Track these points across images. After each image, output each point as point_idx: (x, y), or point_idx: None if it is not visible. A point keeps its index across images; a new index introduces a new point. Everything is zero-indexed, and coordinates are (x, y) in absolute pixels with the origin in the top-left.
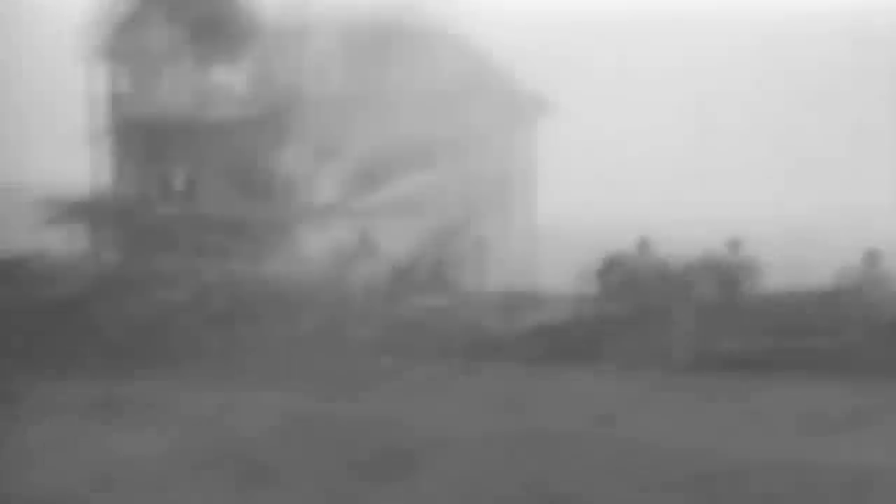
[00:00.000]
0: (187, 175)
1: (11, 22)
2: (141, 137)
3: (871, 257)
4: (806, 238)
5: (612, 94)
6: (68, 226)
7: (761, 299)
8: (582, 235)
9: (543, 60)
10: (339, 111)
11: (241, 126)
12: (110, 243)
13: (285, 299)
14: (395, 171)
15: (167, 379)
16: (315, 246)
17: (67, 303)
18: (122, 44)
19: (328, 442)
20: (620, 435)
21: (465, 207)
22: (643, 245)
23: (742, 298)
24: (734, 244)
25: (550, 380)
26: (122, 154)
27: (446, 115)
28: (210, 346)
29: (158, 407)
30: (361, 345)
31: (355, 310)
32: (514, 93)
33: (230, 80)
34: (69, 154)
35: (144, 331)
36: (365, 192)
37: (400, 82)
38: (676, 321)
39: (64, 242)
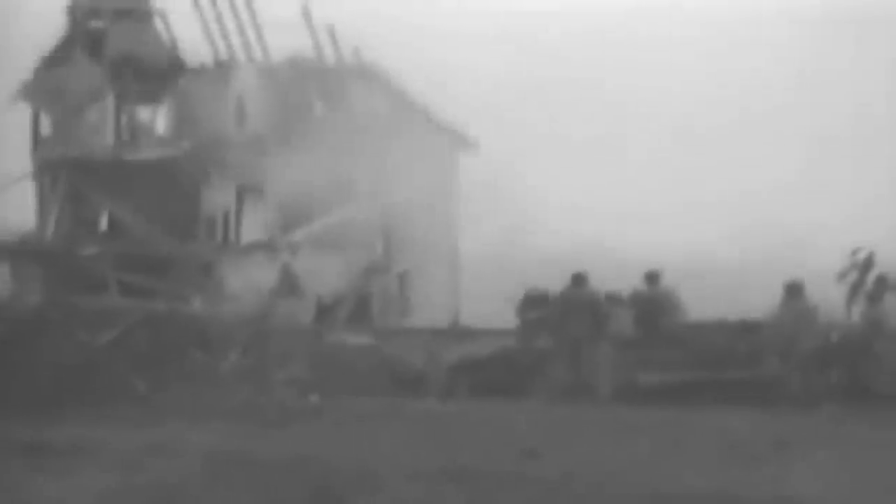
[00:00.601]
0: (110, 215)
1: None
2: (64, 178)
3: (792, 289)
4: (727, 270)
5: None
6: None
7: (682, 331)
8: (504, 270)
9: (468, 97)
10: (261, 149)
11: (163, 165)
12: (34, 284)
13: (210, 338)
14: (318, 208)
15: (93, 421)
16: (239, 284)
17: None
18: (44, 84)
19: (254, 482)
20: (545, 470)
21: (389, 243)
22: (576, 280)
23: (663, 331)
24: (653, 277)
25: (475, 415)
26: (45, 195)
27: (368, 150)
28: (135, 387)
29: (86, 450)
30: (286, 382)
31: (279, 347)
32: (435, 128)
33: (152, 119)
34: None
35: (69, 372)
36: (288, 229)
37: (321, 120)
38: (598, 354)
39: None
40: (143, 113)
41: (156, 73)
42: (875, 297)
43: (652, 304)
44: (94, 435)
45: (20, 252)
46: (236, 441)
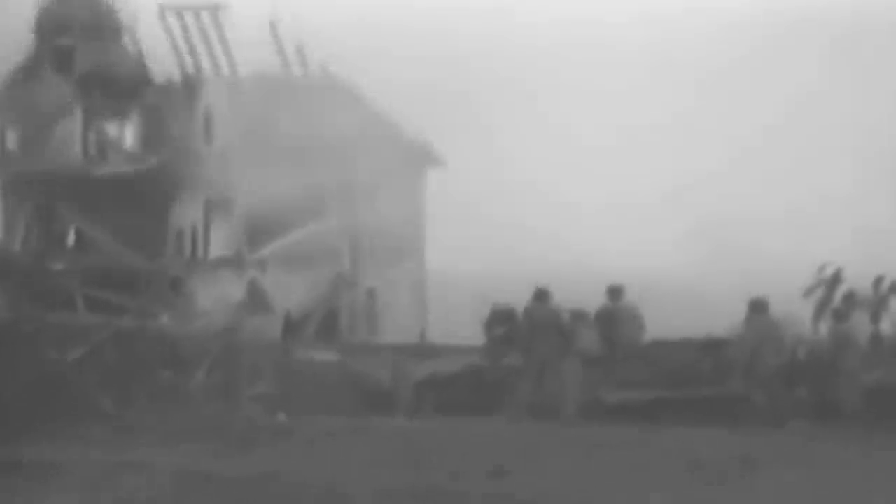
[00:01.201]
0: (78, 230)
1: None
2: (31, 193)
3: (756, 306)
4: (692, 287)
5: (502, 147)
6: None
7: (646, 349)
8: (472, 286)
9: (433, 113)
10: (228, 164)
11: (131, 180)
12: (0, 300)
13: (178, 355)
14: (286, 223)
15: (62, 439)
16: (207, 300)
17: None
18: (12, 100)
19: (222, 501)
20: (512, 488)
21: (356, 258)
22: (538, 296)
23: (625, 348)
24: (615, 292)
25: (442, 432)
26: (12, 210)
27: (336, 166)
28: (103, 405)
29: (54, 469)
30: (254, 399)
31: (248, 364)
32: (403, 143)
33: (120, 134)
34: None
35: (37, 390)
36: (256, 244)
37: (289, 135)
38: (564, 372)
39: None
40: (112, 128)
41: (124, 88)
42: (842, 314)
43: (614, 319)
44: (63, 453)
45: None
46: (204, 459)
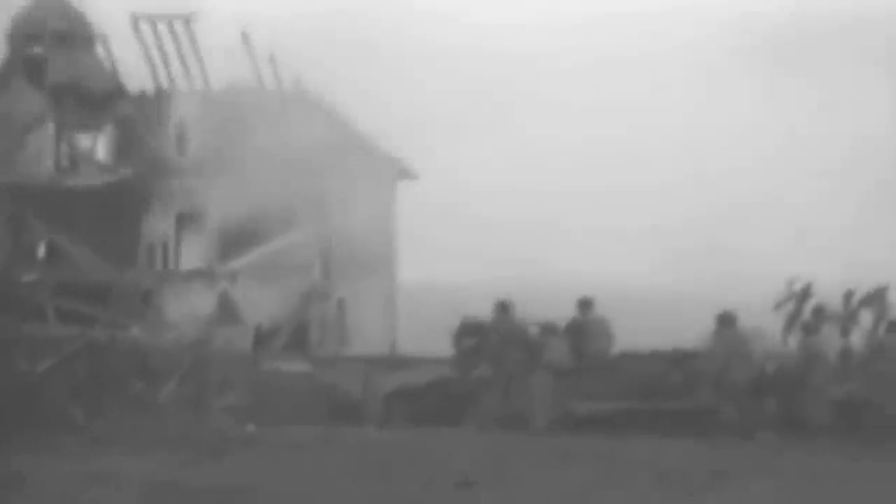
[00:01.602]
0: (50, 242)
1: None
2: (3, 204)
3: (724, 319)
4: (661, 298)
5: (474, 160)
6: None
7: (616, 361)
8: (442, 299)
9: (406, 124)
10: (201, 176)
11: (103, 192)
12: None
13: (149, 366)
14: (257, 235)
15: (32, 450)
16: (178, 312)
17: None
18: None
19: None
20: (479, 499)
21: (326, 270)
22: (500, 308)
23: (595, 360)
24: (585, 304)
25: (411, 443)
26: None
27: (307, 178)
28: (74, 416)
29: (24, 479)
30: (224, 410)
31: (217, 375)
32: (375, 156)
33: (93, 146)
34: None
35: (9, 401)
36: (227, 256)
37: (261, 147)
38: (534, 384)
39: None
40: (84, 139)
41: (96, 99)
42: (812, 328)
43: (585, 332)
44: (32, 464)
45: None
46: (174, 470)
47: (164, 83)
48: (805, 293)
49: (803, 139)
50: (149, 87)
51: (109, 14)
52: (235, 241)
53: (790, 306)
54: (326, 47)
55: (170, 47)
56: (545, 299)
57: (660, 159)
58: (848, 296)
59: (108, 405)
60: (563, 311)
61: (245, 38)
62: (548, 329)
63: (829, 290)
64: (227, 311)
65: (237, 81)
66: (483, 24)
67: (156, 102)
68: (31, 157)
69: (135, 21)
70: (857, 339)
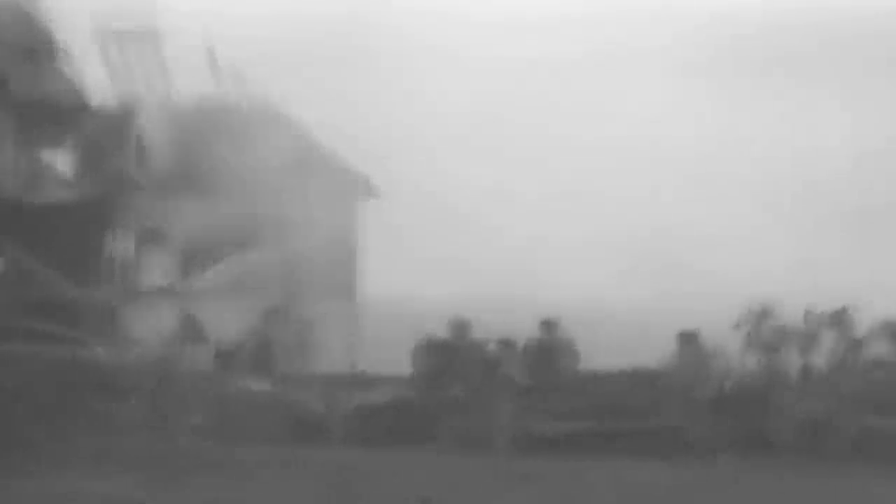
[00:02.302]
0: (11, 259)
1: None
2: None
3: (686, 338)
4: (625, 318)
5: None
6: None
7: (578, 380)
8: (404, 317)
9: (371, 140)
10: (163, 192)
11: (65, 208)
12: None
13: (111, 385)
14: (220, 252)
15: None
16: (141, 330)
17: None
18: None
19: None
20: None
21: (290, 288)
22: (458, 327)
23: (560, 380)
24: (550, 325)
25: (373, 462)
26: None
27: (271, 195)
28: (36, 435)
29: None
30: (188, 429)
31: (181, 394)
32: (339, 173)
33: (57, 162)
34: None
35: None
36: (190, 273)
37: (225, 162)
38: (496, 403)
39: None
40: (46, 155)
41: (59, 114)
42: (771, 348)
43: (548, 351)
44: None
45: None
46: (137, 490)
47: (128, 98)
48: (764, 313)
49: (767, 157)
50: (112, 102)
51: (74, 29)
52: (198, 257)
53: (749, 326)
54: (304, 57)
55: (133, 62)
56: (510, 319)
57: (619, 172)
58: (808, 314)
59: (70, 424)
60: (525, 328)
61: (209, 52)
62: (504, 344)
63: (790, 310)
64: (189, 330)
65: (202, 97)
66: (460, 24)
67: (119, 117)
68: None
69: (99, 35)
70: (818, 358)
